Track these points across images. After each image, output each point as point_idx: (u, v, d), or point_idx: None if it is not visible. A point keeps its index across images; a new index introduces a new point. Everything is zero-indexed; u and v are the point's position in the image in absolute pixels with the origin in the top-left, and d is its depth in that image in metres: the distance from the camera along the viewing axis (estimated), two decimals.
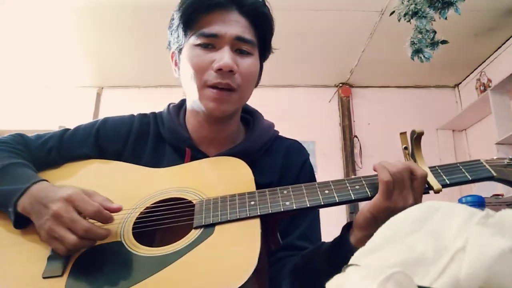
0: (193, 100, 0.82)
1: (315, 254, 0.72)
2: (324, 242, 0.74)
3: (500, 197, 2.34)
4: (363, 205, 0.66)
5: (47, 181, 0.74)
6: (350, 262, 0.36)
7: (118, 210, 0.68)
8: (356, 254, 0.37)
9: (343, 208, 3.27)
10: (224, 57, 0.76)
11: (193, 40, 0.79)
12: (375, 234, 0.38)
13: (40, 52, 3.14)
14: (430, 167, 0.66)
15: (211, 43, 0.78)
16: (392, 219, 0.39)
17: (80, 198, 0.65)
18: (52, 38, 2.97)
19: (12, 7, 2.64)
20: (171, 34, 0.85)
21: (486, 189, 2.36)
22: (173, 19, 0.83)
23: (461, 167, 0.66)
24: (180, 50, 0.83)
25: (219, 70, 0.76)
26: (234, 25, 0.79)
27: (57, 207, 0.64)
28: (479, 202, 1.29)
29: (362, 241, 0.65)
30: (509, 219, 0.34)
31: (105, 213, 0.66)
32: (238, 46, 0.79)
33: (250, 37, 0.80)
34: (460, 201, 1.34)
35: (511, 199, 2.28)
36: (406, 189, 0.62)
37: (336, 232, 0.71)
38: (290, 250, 0.79)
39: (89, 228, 0.63)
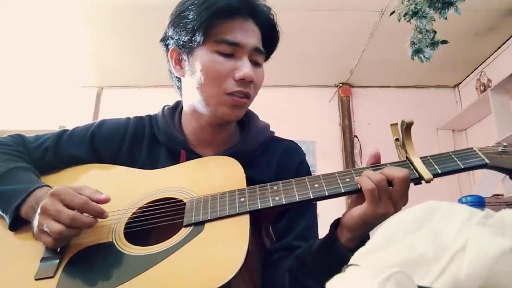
0: (203, 104, 0.81)
1: (307, 254, 0.72)
2: (314, 241, 0.74)
3: (500, 197, 2.34)
4: (353, 209, 0.65)
5: (49, 186, 0.75)
6: (350, 262, 0.36)
7: (106, 201, 0.69)
8: (356, 254, 0.37)
9: (342, 207, 3.27)
10: (246, 67, 0.77)
11: (213, 45, 0.78)
12: (375, 234, 0.38)
13: (40, 52, 3.14)
14: (421, 157, 0.65)
15: (232, 52, 0.78)
16: (392, 219, 0.39)
17: (65, 191, 0.67)
18: (52, 38, 2.97)
19: (12, 8, 2.64)
20: (175, 31, 0.82)
21: (486, 189, 2.36)
22: (183, 17, 0.80)
23: (453, 156, 0.65)
24: (190, 51, 0.81)
25: (241, 79, 0.77)
26: (252, 35, 0.80)
27: (44, 202, 0.66)
28: (479, 202, 1.29)
29: (352, 240, 0.65)
30: (509, 219, 0.34)
31: (93, 205, 0.67)
32: (254, 57, 0.80)
33: (263, 48, 0.82)
34: (460, 201, 1.34)
35: (511, 199, 2.28)
36: (394, 195, 0.62)
37: None
38: (288, 251, 0.79)
39: (75, 216, 0.65)
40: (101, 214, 0.67)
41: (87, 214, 0.67)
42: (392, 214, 0.61)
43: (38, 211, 0.66)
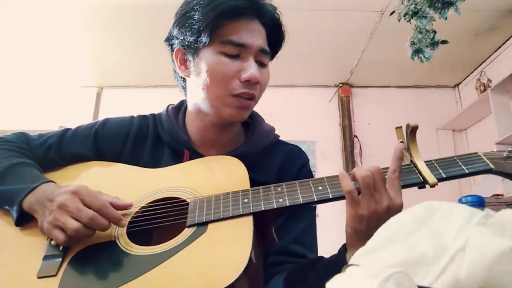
0: (208, 105, 0.81)
1: (310, 270, 0.71)
2: (320, 258, 0.73)
3: (500, 197, 2.34)
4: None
5: (54, 182, 0.75)
6: (350, 262, 0.36)
7: (128, 206, 0.70)
8: (356, 254, 0.37)
9: (342, 208, 3.26)
10: (252, 68, 0.77)
11: (218, 46, 0.77)
12: (375, 234, 0.38)
13: (40, 52, 3.14)
14: (426, 161, 0.65)
15: (238, 53, 0.77)
16: (392, 219, 0.39)
17: (87, 192, 0.67)
18: (52, 38, 2.97)
19: (13, 8, 2.64)
20: (180, 31, 0.81)
21: (486, 189, 2.36)
22: (188, 17, 0.79)
23: (457, 160, 0.64)
24: (195, 52, 0.80)
25: (247, 81, 0.77)
26: (258, 36, 0.79)
27: (63, 198, 0.66)
28: (479, 202, 1.29)
29: None
30: (509, 219, 0.34)
31: (112, 210, 0.67)
32: (260, 58, 0.80)
33: (268, 49, 0.81)
34: (460, 201, 1.34)
35: (511, 199, 2.28)
36: (377, 191, 0.61)
37: (335, 234, 0.70)
38: (284, 255, 0.78)
39: (94, 216, 0.65)
40: (119, 221, 0.67)
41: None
42: (376, 215, 0.61)
43: (55, 206, 0.66)
